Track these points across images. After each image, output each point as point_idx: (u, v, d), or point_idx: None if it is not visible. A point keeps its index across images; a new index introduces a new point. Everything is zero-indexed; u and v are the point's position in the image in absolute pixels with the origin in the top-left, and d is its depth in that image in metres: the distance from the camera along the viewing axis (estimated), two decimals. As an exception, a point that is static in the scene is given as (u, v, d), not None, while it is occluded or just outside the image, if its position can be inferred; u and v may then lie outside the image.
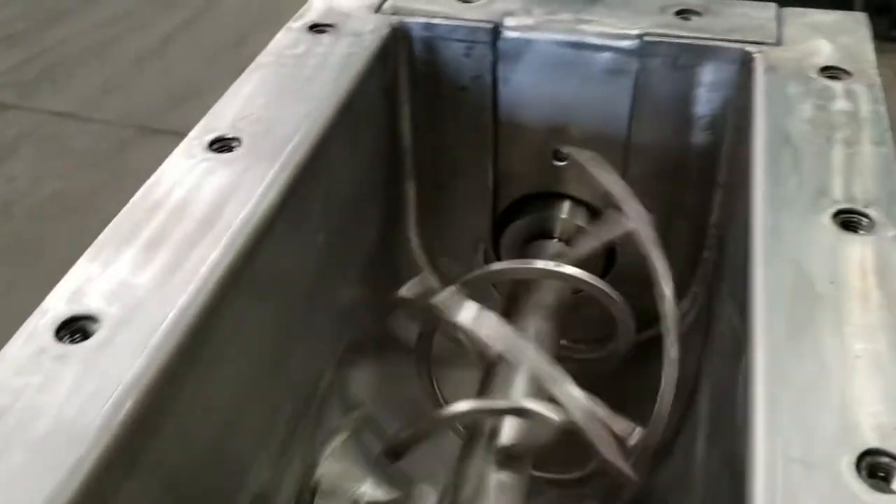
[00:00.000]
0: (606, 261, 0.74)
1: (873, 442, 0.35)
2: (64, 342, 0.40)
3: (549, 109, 0.69)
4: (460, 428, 0.62)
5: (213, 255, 0.44)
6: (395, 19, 0.66)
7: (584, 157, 0.62)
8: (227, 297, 0.44)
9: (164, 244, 0.46)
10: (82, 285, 0.43)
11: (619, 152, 0.70)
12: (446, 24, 0.66)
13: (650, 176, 0.69)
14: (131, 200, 0.50)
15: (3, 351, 0.40)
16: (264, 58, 0.61)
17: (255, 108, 0.56)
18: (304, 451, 0.59)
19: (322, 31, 0.64)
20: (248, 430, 0.52)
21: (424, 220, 0.76)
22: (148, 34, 2.40)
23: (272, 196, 0.49)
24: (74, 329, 0.41)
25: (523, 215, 0.76)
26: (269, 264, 0.50)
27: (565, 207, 0.75)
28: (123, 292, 0.43)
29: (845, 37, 0.63)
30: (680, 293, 0.62)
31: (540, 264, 0.63)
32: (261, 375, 0.52)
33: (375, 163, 0.68)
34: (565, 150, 0.65)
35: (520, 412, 0.52)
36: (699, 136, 0.67)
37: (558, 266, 0.61)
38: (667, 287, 0.56)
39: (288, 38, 0.63)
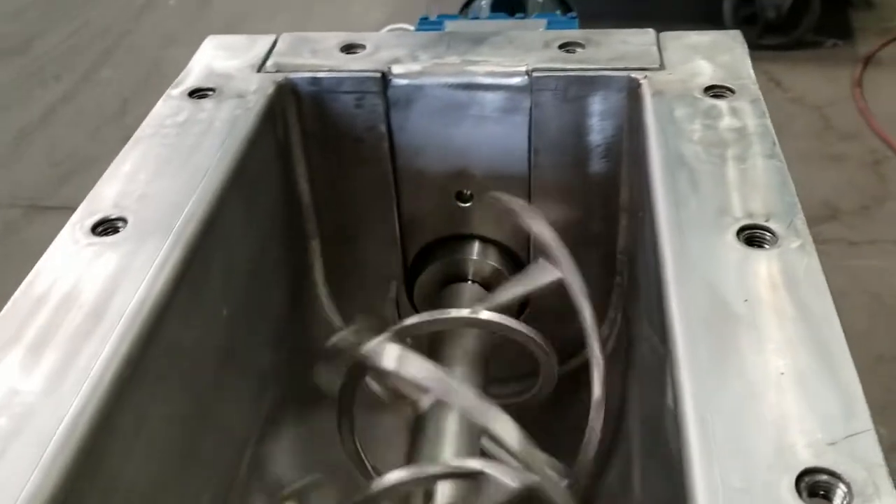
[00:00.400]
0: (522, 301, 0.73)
1: (809, 461, 0.35)
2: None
3: (448, 152, 0.69)
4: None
5: (106, 350, 0.41)
6: (279, 76, 0.64)
7: (512, 203, 0.61)
8: (124, 391, 0.41)
9: (52, 342, 0.42)
10: (-37, 397, 0.39)
11: (522, 187, 0.69)
12: (333, 77, 0.64)
13: (555, 207, 0.69)
14: (13, 297, 0.46)
15: None
16: (144, 130, 0.58)
17: (139, 184, 0.53)
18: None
19: (203, 96, 0.62)
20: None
21: (333, 275, 0.74)
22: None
23: (165, 276, 0.46)
24: (-44, 450, 0.37)
25: (434, 261, 0.75)
26: (169, 348, 0.46)
27: (475, 249, 0.74)
28: (11, 400, 0.40)
29: (724, 55, 0.64)
30: (599, 318, 0.61)
31: (456, 313, 0.61)
32: (173, 468, 0.48)
33: (276, 225, 0.66)
34: (492, 195, 0.64)
35: (472, 475, 0.50)
36: (598, 165, 0.67)
37: (475, 313, 0.59)
38: (595, 343, 0.56)
39: (168, 106, 0.61)
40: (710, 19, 3.55)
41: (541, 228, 0.59)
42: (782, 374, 0.39)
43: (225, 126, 0.58)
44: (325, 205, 0.70)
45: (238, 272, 0.58)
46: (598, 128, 0.65)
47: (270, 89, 0.63)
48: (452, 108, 0.66)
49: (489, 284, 0.73)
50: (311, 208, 0.70)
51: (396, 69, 0.65)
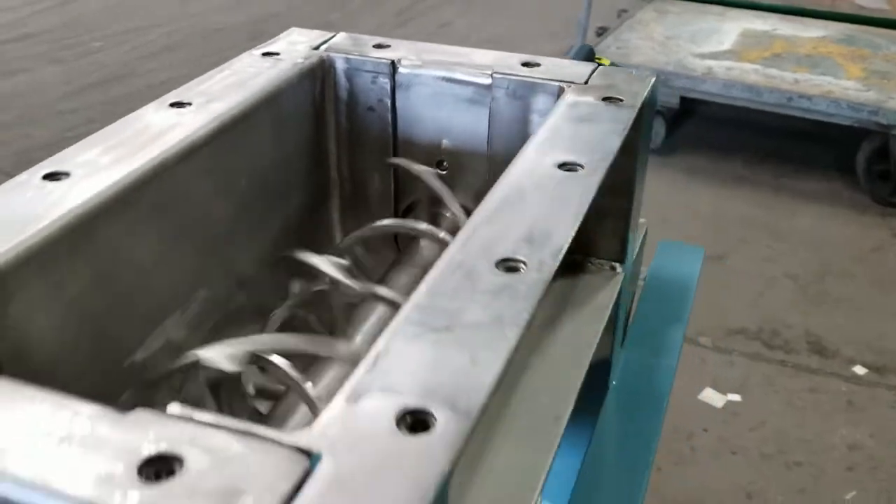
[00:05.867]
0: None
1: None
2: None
3: (433, 128, 0.96)
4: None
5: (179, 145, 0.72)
6: (324, 54, 0.94)
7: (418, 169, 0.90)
8: (177, 171, 0.70)
9: (135, 144, 0.72)
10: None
11: (483, 163, 0.95)
12: (358, 59, 0.94)
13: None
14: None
15: None
16: (226, 68, 0.89)
17: (216, 87, 0.84)
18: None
19: (271, 56, 0.92)
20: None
21: (345, 206, 1.02)
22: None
23: (208, 128, 0.76)
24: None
25: (417, 214, 1.01)
26: (195, 175, 0.75)
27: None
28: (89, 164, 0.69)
29: (632, 85, 0.89)
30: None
31: (385, 222, 0.88)
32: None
33: (303, 153, 0.95)
34: (395, 161, 0.92)
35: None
36: (534, 150, 0.92)
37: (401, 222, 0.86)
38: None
39: (246, 59, 0.92)
40: (843, 169, 3.69)
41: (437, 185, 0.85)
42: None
43: (274, 73, 0.88)
44: (344, 153, 0.99)
45: (261, 167, 0.87)
46: (537, 121, 0.91)
47: (315, 60, 0.93)
48: (438, 95, 0.94)
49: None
50: (334, 154, 0.99)
51: (403, 62, 0.94)
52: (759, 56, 4.06)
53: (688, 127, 4.44)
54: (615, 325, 0.98)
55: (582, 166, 0.71)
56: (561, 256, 0.60)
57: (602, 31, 4.32)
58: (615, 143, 0.75)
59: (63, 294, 0.64)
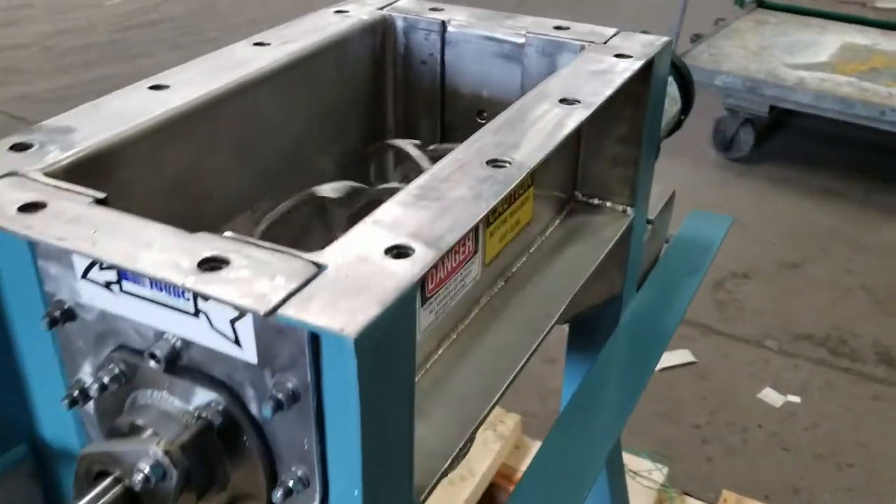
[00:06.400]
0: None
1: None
2: None
3: (475, 81, 1.11)
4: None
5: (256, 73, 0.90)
6: (386, 13, 1.11)
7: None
8: (252, 93, 0.89)
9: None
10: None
11: (516, 113, 1.10)
12: (415, 18, 1.10)
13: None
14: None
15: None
16: (301, 21, 1.07)
17: (293, 34, 1.01)
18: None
19: (340, 13, 1.10)
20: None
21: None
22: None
23: (281, 60, 0.94)
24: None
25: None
26: (271, 98, 0.93)
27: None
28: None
29: (644, 46, 1.01)
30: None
31: None
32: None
33: (363, 95, 1.12)
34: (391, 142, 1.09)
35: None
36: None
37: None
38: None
39: (321, 13, 1.10)
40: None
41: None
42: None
43: (342, 26, 1.06)
44: (400, 99, 1.16)
45: (325, 102, 1.04)
46: (561, 76, 1.05)
47: (377, 17, 1.10)
48: (481, 51, 1.09)
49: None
50: (391, 99, 1.16)
51: (452, 22, 1.10)
52: (856, 69, 4.03)
53: (778, 137, 4.44)
54: (626, 264, 1.11)
55: (579, 101, 0.85)
56: (539, 160, 0.75)
57: (696, 38, 4.37)
58: (611, 87, 0.89)
59: (156, 174, 0.83)
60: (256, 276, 0.58)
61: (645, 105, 1.00)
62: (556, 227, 1.06)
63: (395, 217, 0.66)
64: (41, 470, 0.85)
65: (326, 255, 0.61)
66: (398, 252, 0.62)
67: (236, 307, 0.56)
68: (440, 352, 0.83)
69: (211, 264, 0.60)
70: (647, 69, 0.98)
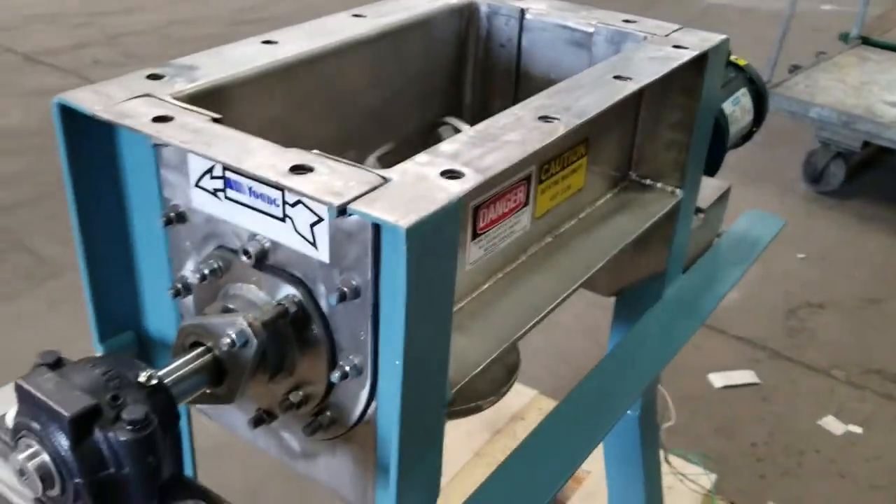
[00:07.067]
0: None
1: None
2: None
3: (547, 64, 1.23)
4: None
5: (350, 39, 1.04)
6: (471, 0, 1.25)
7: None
8: (344, 55, 1.03)
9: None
10: None
11: (582, 96, 1.21)
12: (497, 5, 1.23)
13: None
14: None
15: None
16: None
17: (384, 10, 1.16)
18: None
19: (432, -2, 1.24)
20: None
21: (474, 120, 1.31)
22: None
23: (378, 29, 1.08)
24: None
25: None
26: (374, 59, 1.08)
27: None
28: (297, 44, 1.03)
29: (702, 41, 1.11)
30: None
31: None
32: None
33: (445, 70, 1.25)
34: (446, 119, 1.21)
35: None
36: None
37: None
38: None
39: (412, -4, 1.24)
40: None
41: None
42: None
43: (430, 7, 1.19)
44: (478, 79, 1.28)
45: (409, 73, 1.18)
46: (625, 64, 1.16)
47: (464, 1, 1.23)
48: (555, 39, 1.21)
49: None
50: (470, 78, 1.29)
51: (531, 10, 1.22)
52: (956, 112, 3.96)
53: (869, 174, 4.38)
54: (671, 243, 1.20)
55: (630, 79, 0.96)
56: (582, 121, 0.86)
57: (794, 69, 4.37)
58: (662, 71, 0.99)
59: (259, 113, 0.98)
60: (334, 180, 0.72)
61: (698, 95, 1.10)
62: (608, 200, 1.16)
63: (453, 150, 0.79)
64: (144, 356, 1.01)
65: (393, 172, 0.74)
66: (451, 174, 0.75)
67: (317, 200, 0.70)
68: (487, 285, 0.95)
69: (299, 170, 0.74)
70: (701, 61, 1.08)
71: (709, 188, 1.38)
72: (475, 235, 0.90)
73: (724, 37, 1.13)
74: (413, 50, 1.17)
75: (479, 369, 0.83)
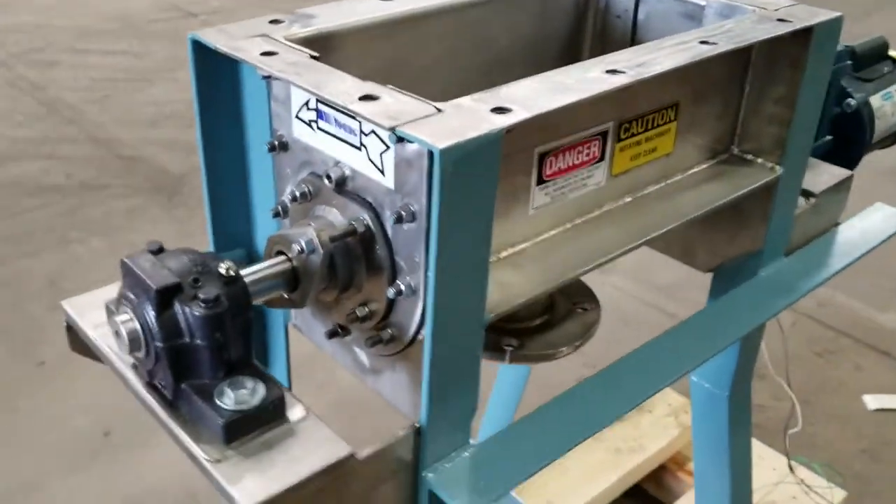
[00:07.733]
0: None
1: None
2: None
3: (659, 36, 1.24)
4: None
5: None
6: (595, -28, 1.29)
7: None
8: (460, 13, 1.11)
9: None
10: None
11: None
12: (617, -22, 1.27)
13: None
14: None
15: None
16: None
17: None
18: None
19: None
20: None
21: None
22: None
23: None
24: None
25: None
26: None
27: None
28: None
29: (810, 16, 1.09)
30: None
31: None
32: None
33: (559, 39, 1.30)
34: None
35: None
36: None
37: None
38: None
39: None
40: None
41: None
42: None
43: (551, -25, 1.25)
44: (597, 46, 1.32)
45: (522, 36, 1.24)
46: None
47: (586, -27, 1.28)
48: (668, 10, 1.23)
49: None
50: (587, 46, 1.33)
51: (647, -18, 1.25)
52: None
53: None
54: (769, 220, 1.19)
55: (717, 44, 0.98)
56: (649, 75, 0.89)
57: None
58: (754, 37, 1.00)
59: (367, 62, 1.08)
60: (394, 108, 0.80)
61: (802, 68, 1.09)
62: (703, 170, 1.17)
63: (511, 92, 0.85)
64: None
65: (448, 105, 0.82)
66: (500, 109, 0.81)
67: (372, 122, 0.79)
68: (552, 232, 1.00)
69: (367, 98, 0.83)
70: (806, 34, 1.06)
71: (828, 174, 1.34)
72: (540, 181, 0.96)
73: (837, 14, 1.10)
74: (531, 11, 1.23)
75: (519, 302, 0.89)
